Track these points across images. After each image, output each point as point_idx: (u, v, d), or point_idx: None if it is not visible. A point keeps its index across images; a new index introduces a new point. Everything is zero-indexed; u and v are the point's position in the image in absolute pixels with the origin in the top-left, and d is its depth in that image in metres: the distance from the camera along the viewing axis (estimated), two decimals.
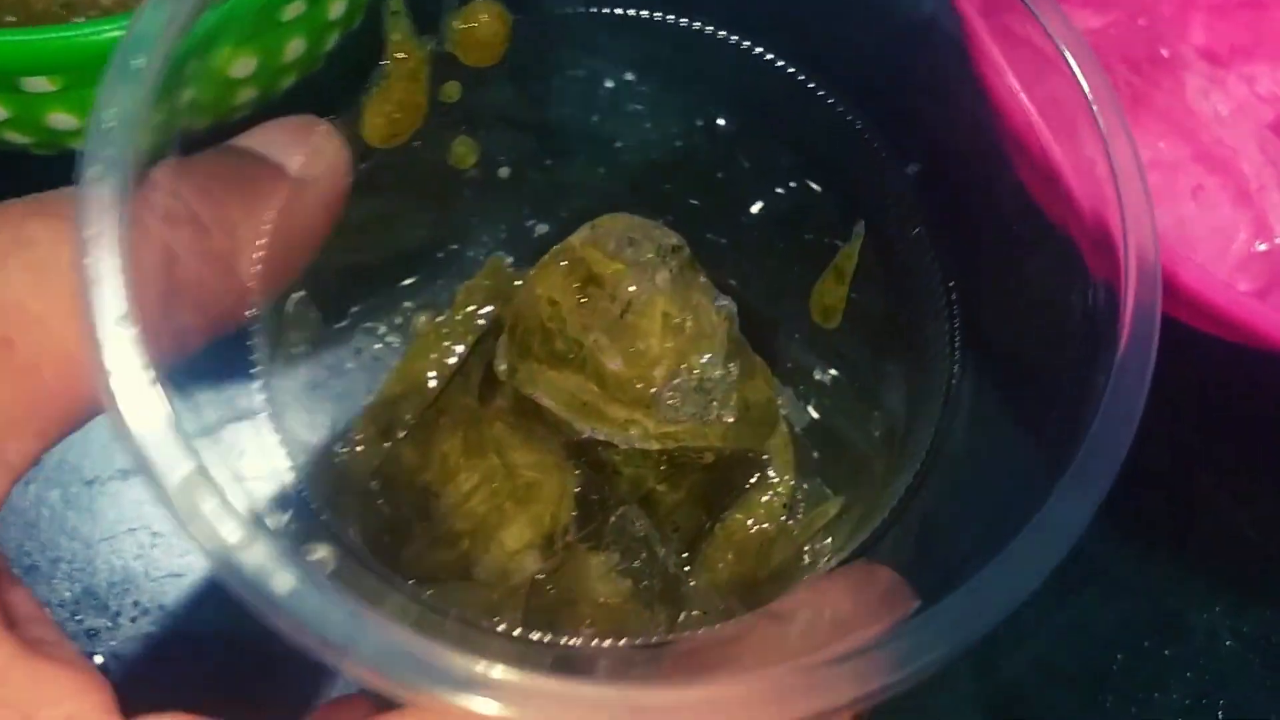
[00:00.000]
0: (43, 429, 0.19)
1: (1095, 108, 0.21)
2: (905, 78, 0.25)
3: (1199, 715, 0.33)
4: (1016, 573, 0.17)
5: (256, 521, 0.15)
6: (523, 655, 0.16)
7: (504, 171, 0.29)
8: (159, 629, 0.30)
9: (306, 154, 0.23)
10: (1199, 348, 0.35)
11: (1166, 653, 0.34)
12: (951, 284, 0.25)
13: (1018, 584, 0.17)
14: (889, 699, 0.32)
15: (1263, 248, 0.35)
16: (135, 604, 0.30)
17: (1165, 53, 0.36)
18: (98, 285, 0.16)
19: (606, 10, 0.26)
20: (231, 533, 0.15)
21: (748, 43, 0.26)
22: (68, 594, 0.30)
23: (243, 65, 0.27)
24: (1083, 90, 0.21)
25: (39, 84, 0.28)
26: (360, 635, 0.14)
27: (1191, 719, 0.33)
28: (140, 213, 0.17)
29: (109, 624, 0.30)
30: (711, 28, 0.26)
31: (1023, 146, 0.23)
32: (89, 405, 0.19)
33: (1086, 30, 0.36)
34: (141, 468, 0.15)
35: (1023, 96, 0.23)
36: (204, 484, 0.15)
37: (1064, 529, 0.18)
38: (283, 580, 0.14)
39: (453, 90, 0.27)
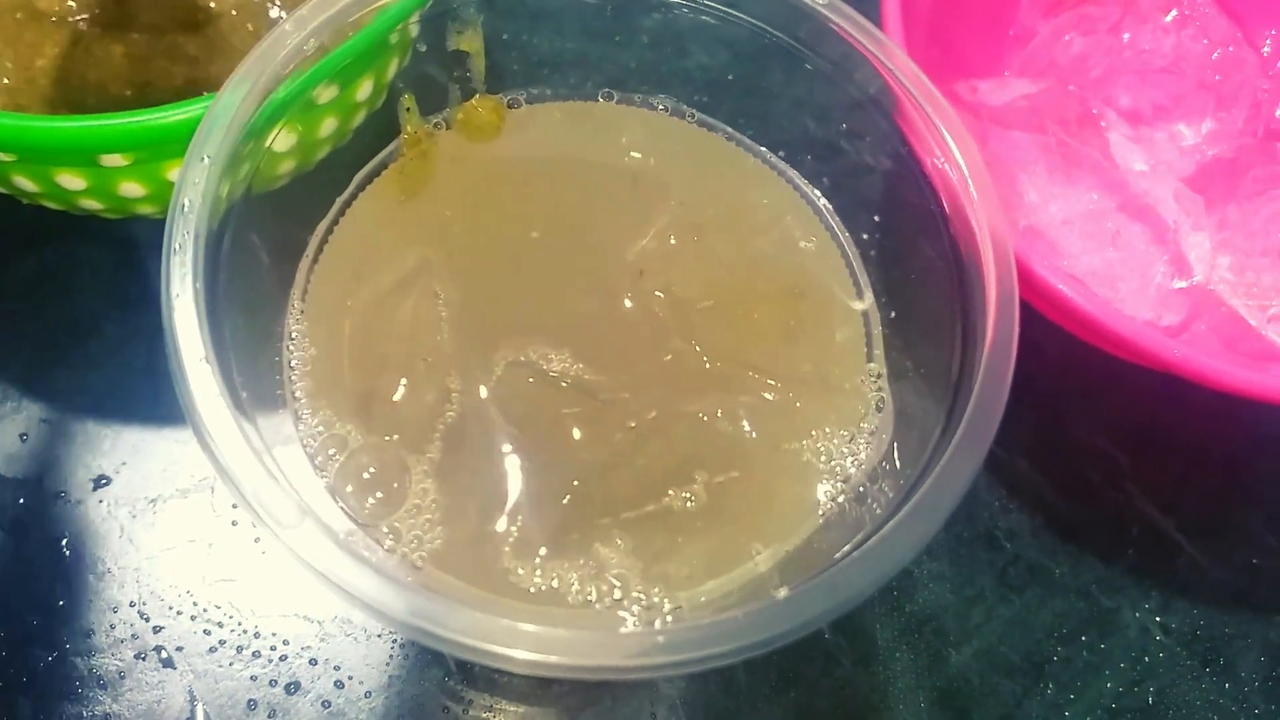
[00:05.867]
0: None
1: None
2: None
3: (1131, 700, 0.37)
4: (917, 525, 0.21)
5: (305, 509, 0.19)
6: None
7: None
8: (214, 624, 0.34)
9: None
10: (1129, 382, 0.39)
11: (1102, 645, 0.37)
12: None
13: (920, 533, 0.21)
14: (844, 680, 0.36)
15: (1182, 285, 0.38)
16: (194, 603, 0.34)
17: (1095, 112, 0.39)
18: (183, 334, 0.20)
19: (586, 100, 0.30)
20: (288, 515, 0.19)
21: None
22: (136, 595, 0.34)
23: (285, 141, 0.31)
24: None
25: (114, 160, 0.32)
26: (389, 593, 0.19)
27: (1124, 703, 0.36)
28: (212, 275, 0.22)
29: (172, 620, 0.34)
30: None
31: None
32: None
33: (1023, 95, 0.40)
34: (220, 472, 0.19)
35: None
36: (267, 481, 0.19)
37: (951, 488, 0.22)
38: (328, 550, 0.19)
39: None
